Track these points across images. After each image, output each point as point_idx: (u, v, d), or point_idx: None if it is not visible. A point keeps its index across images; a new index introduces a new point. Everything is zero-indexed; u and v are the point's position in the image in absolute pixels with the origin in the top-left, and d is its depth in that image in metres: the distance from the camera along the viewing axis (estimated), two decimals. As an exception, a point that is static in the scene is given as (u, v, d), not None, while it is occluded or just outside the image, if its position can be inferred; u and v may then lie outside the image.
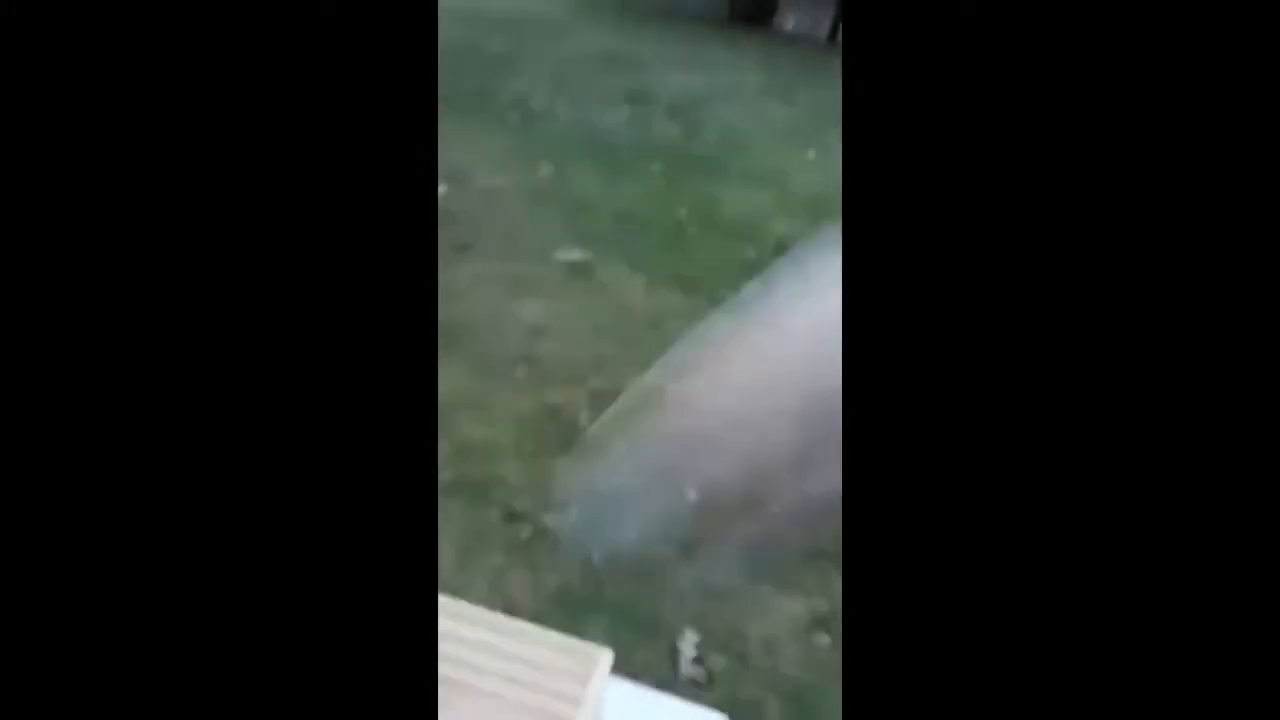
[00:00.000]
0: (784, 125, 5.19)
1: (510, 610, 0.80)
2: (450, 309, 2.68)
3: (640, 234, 3.50)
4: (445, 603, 0.74)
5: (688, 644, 1.71)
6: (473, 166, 3.83)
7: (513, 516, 1.97)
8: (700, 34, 6.92)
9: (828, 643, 1.75)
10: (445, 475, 2.02)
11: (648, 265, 3.22)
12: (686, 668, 1.66)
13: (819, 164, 4.68)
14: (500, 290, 2.90)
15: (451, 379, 2.37)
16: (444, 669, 0.67)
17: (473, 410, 2.28)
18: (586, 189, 3.88)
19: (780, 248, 3.56)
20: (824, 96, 5.62)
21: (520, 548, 1.90)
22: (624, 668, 0.77)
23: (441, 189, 3.30)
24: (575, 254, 3.24)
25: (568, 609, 1.76)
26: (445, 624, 0.72)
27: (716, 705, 0.84)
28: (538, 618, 0.79)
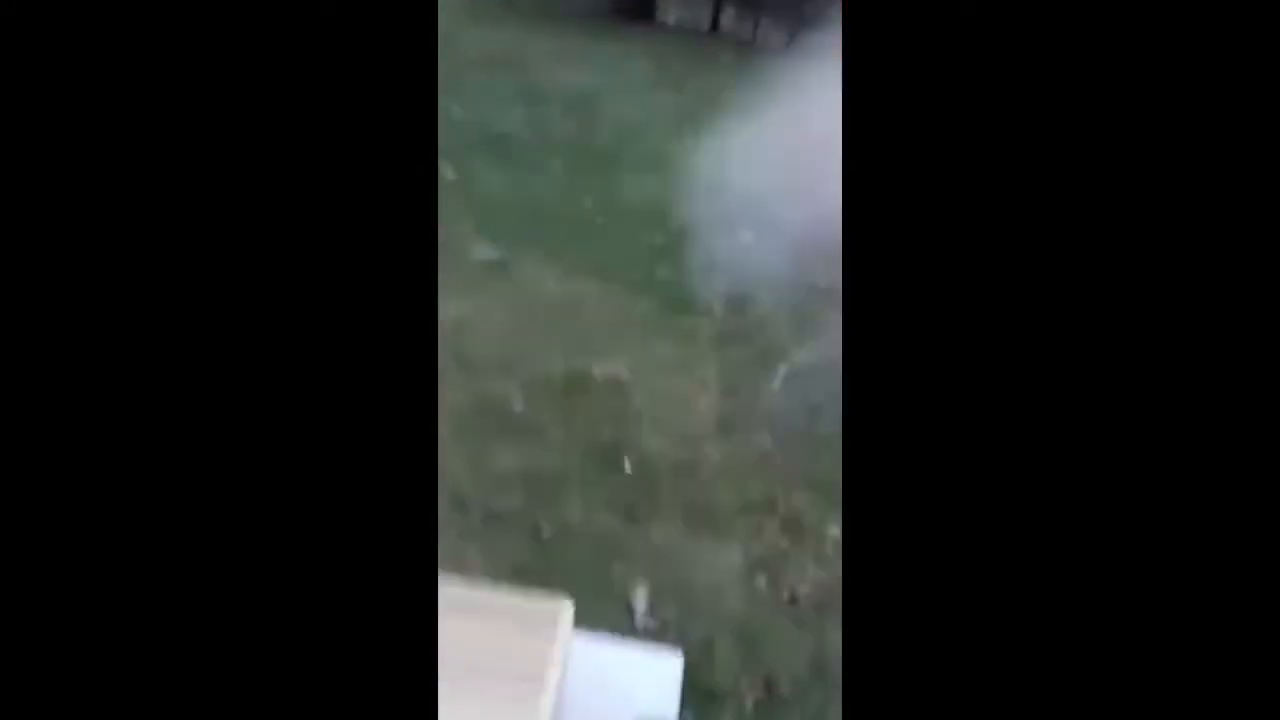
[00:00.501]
0: (676, 113, 5.34)
1: (470, 590, 0.88)
2: (374, 316, 2.71)
3: (549, 228, 3.61)
4: None
5: (640, 599, 1.84)
6: (376, 176, 3.83)
7: (461, 504, 2.06)
8: (585, 31, 7.01)
9: (765, 583, 1.90)
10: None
11: (560, 257, 3.33)
12: (641, 620, 1.79)
13: (713, 147, 4.85)
14: (420, 294, 2.96)
15: (384, 382, 2.42)
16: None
17: (409, 409, 2.35)
18: (492, 189, 3.95)
19: (684, 230, 3.63)
20: (711, 83, 5.79)
21: (473, 532, 1.99)
22: (584, 627, 0.85)
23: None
24: (489, 253, 3.33)
25: (524, 583, 1.87)
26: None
27: (671, 649, 0.95)
28: (497, 593, 0.88)
